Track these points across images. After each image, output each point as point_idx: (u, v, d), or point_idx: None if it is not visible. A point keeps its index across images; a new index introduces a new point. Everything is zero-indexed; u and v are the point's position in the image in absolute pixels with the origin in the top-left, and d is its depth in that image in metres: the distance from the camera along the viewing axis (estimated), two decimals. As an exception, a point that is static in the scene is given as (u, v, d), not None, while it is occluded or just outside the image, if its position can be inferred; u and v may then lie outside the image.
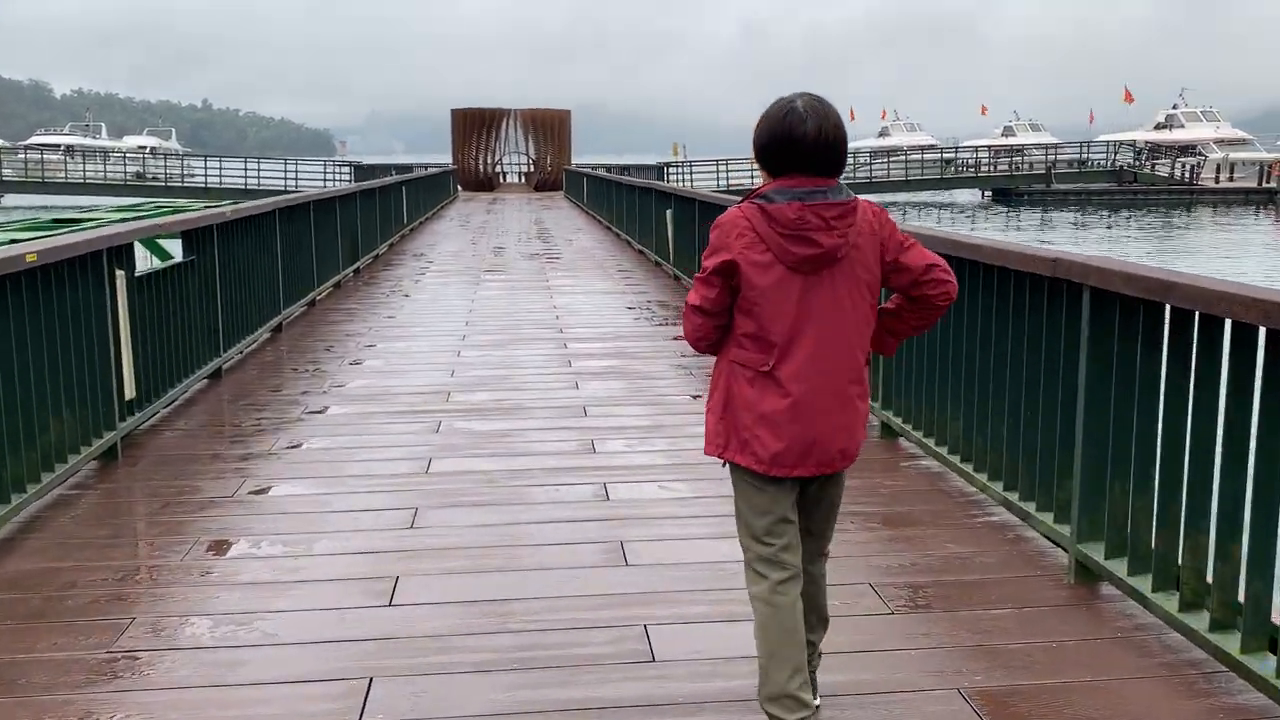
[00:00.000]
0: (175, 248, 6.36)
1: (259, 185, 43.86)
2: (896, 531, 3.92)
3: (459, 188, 38.34)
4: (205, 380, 6.43)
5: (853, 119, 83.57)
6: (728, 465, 2.45)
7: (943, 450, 4.58)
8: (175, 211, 9.68)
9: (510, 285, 11.45)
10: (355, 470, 4.67)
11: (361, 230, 12.98)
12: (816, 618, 2.58)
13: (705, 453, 2.48)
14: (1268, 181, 46.67)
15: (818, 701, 2.57)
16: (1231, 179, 49.91)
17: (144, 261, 6.44)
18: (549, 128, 43.89)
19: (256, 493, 4.38)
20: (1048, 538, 3.70)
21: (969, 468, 4.30)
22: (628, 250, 15.62)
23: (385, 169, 37.91)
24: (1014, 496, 3.92)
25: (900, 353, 4.92)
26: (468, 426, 5.41)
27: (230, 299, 6.90)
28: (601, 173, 24.32)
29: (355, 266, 12.44)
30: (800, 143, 2.30)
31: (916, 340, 4.74)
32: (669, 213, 11.73)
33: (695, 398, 6.00)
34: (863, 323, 2.40)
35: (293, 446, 5.07)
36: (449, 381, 6.52)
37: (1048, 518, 3.67)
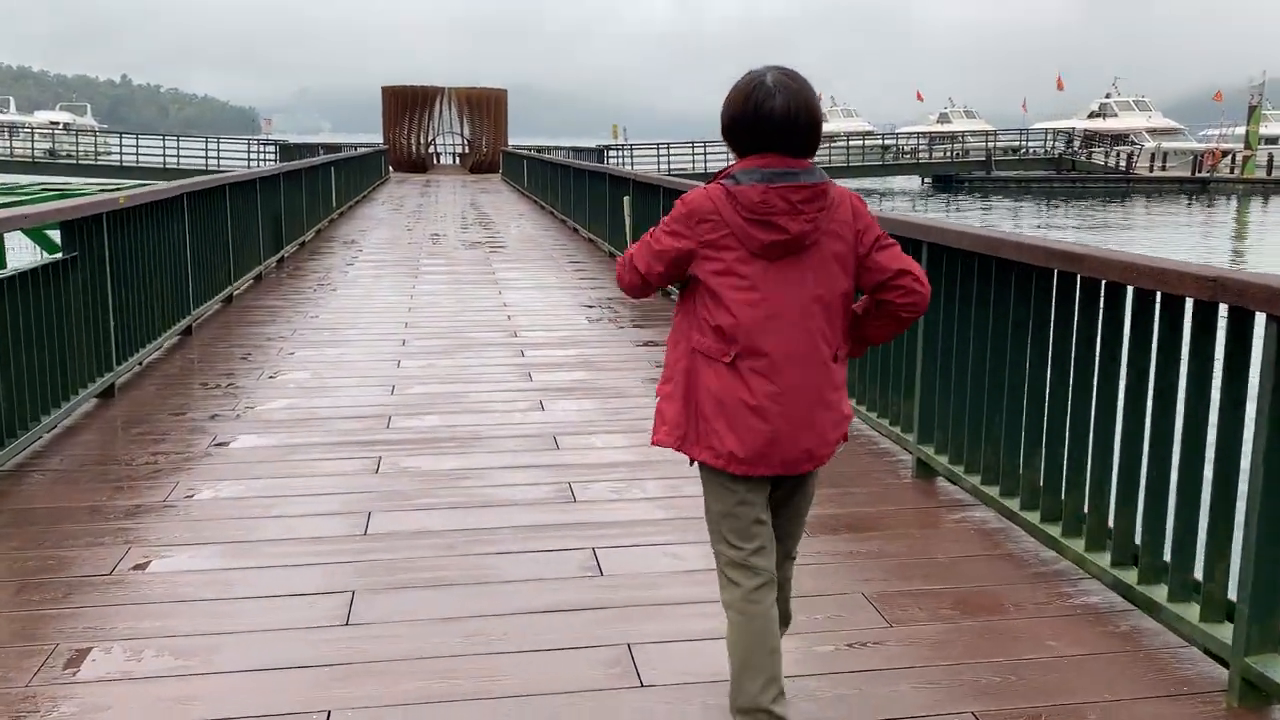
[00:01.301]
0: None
1: (179, 165, 41.83)
2: (979, 623, 3.05)
3: (390, 169, 36.88)
4: (94, 400, 5.35)
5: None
6: (696, 464, 2.30)
7: (1008, 500, 3.73)
8: (63, 196, 8.43)
9: (453, 278, 10.42)
10: (272, 531, 3.68)
11: (286, 215, 11.81)
12: (780, 620, 2.38)
13: (654, 442, 2.33)
14: (1200, 171, 47.16)
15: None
16: (1165, 168, 50.40)
17: (31, 254, 5.31)
18: (484, 108, 42.52)
19: (140, 568, 3.36)
20: (1204, 649, 2.83)
21: (1052, 529, 3.46)
22: (576, 238, 14.64)
23: (312, 149, 36.26)
24: (1129, 577, 3.09)
25: (949, 364, 4.08)
26: (415, 465, 4.44)
27: (125, 301, 5.80)
28: (547, 155, 23.23)
29: (279, 255, 11.30)
30: (768, 119, 2.17)
31: (976, 349, 3.90)
32: (627, 199, 10.78)
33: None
34: (834, 315, 2.25)
35: (193, 496, 4.04)
36: (389, 401, 5.52)
37: (1190, 612, 2.83)
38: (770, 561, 2.30)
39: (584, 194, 14.58)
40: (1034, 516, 3.56)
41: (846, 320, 2.30)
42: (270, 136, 56.73)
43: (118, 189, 11.17)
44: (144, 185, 9.18)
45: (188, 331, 7.23)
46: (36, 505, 3.93)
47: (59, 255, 4.85)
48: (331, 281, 10.15)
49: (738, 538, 2.27)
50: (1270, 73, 47.13)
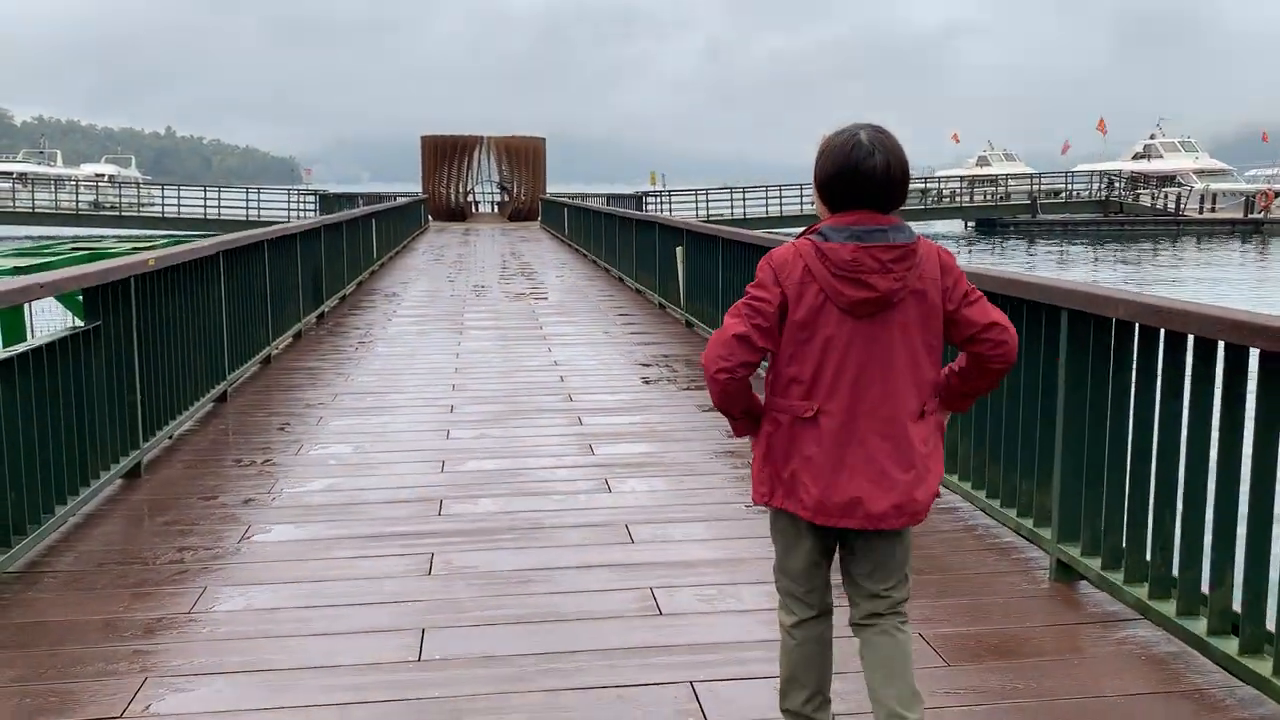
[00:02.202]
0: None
1: (219, 215, 42.12)
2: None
3: (430, 218, 36.82)
4: (119, 482, 4.87)
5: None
6: (769, 509, 2.36)
7: (1187, 621, 3.11)
8: (93, 257, 8.06)
9: (499, 334, 9.94)
10: (310, 655, 3.14)
11: (326, 269, 11.44)
12: (904, 689, 2.27)
13: (753, 501, 2.38)
14: (1254, 213, 46.09)
15: None
16: (1214, 209, 49.34)
17: (62, 318, 4.87)
18: (523, 156, 42.50)
19: (154, 711, 2.83)
20: None
21: (1257, 664, 2.83)
22: (623, 289, 14.17)
23: (352, 198, 36.31)
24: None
25: (1100, 446, 3.49)
26: (471, 564, 3.89)
27: (154, 371, 5.35)
28: (589, 203, 22.90)
29: (319, 311, 10.90)
30: (868, 177, 2.19)
31: (1138, 431, 3.31)
32: (680, 250, 10.30)
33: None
34: (923, 371, 2.26)
35: (221, 607, 3.52)
36: (439, 482, 5.00)
37: None
38: (823, 597, 2.37)
39: (630, 243, 14.13)
40: (1228, 645, 2.94)
41: (935, 374, 2.29)
42: (310, 186, 57.23)
43: (151, 245, 10.85)
44: (179, 240, 8.82)
45: (223, 398, 6.77)
46: (46, 617, 3.42)
47: (81, 325, 4.39)
48: (373, 338, 9.71)
49: (794, 578, 2.36)
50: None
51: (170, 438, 5.68)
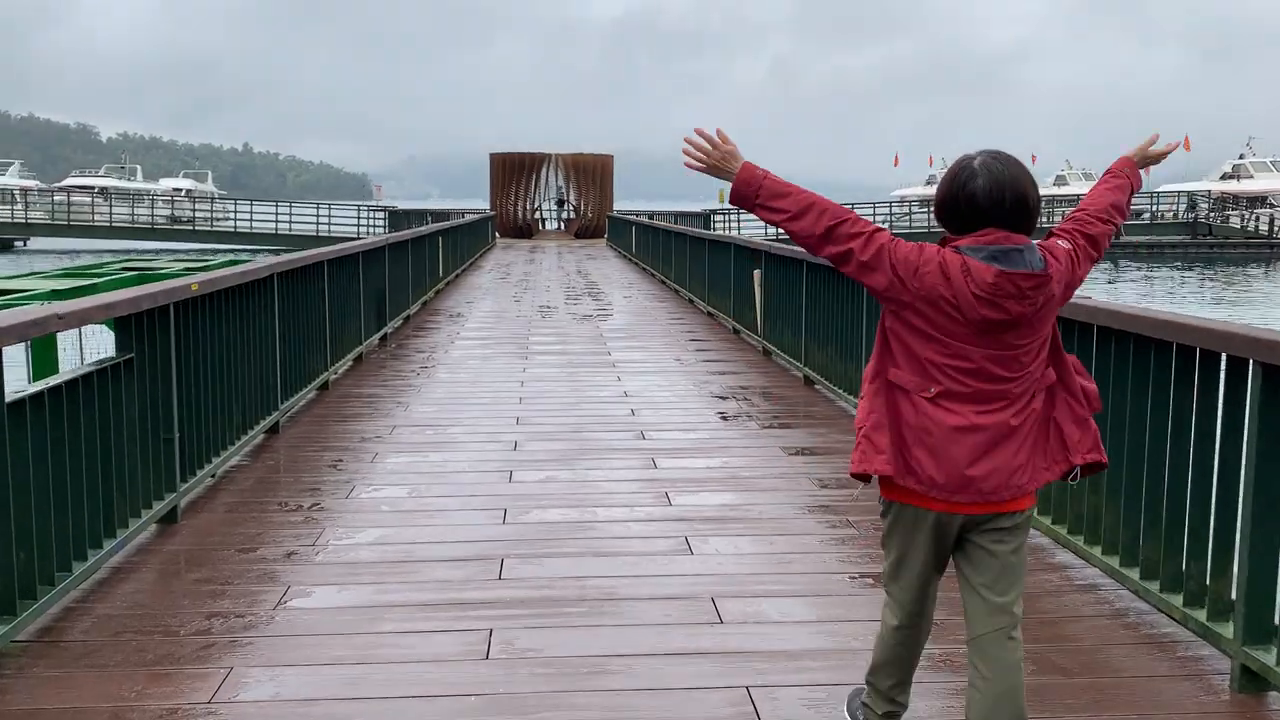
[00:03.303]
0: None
1: (290, 230, 42.51)
2: None
3: (497, 235, 36.69)
4: (153, 529, 4.44)
5: (897, 165, 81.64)
6: (884, 503, 2.44)
7: None
8: (142, 279, 7.72)
9: (565, 360, 9.45)
10: (346, 769, 2.63)
11: (391, 289, 11.08)
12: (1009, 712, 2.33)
13: (866, 469, 2.36)
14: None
15: None
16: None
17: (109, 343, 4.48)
18: (591, 173, 42.25)
19: (156, 842, 2.34)
20: None
21: None
22: (694, 311, 13.62)
23: (421, 215, 36.34)
24: None
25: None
26: (535, 647, 3.35)
27: (196, 405, 4.92)
28: (659, 222, 22.41)
29: (382, 333, 10.52)
30: (970, 200, 2.26)
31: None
32: (758, 273, 9.73)
33: (872, 582, 3.92)
34: (1034, 359, 2.33)
35: (241, 698, 3.02)
36: (501, 535, 4.48)
37: None
38: (922, 612, 2.49)
39: (702, 263, 13.58)
40: None
41: (1047, 355, 2.37)
42: (381, 203, 57.75)
43: (206, 266, 10.57)
44: (236, 261, 8.47)
45: (275, 429, 6.36)
46: (44, 704, 2.96)
47: (89, 364, 3.95)
48: (436, 363, 9.29)
49: (900, 589, 2.46)
50: None
51: (214, 476, 5.25)
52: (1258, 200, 50.90)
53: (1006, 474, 2.29)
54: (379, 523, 4.67)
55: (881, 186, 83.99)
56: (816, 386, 7.95)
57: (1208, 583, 3.27)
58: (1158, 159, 2.80)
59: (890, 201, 57.43)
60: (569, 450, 5.99)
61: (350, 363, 8.91)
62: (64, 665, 3.21)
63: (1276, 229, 46.97)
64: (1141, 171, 2.74)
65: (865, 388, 2.41)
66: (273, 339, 6.35)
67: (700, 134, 2.44)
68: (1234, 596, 3.13)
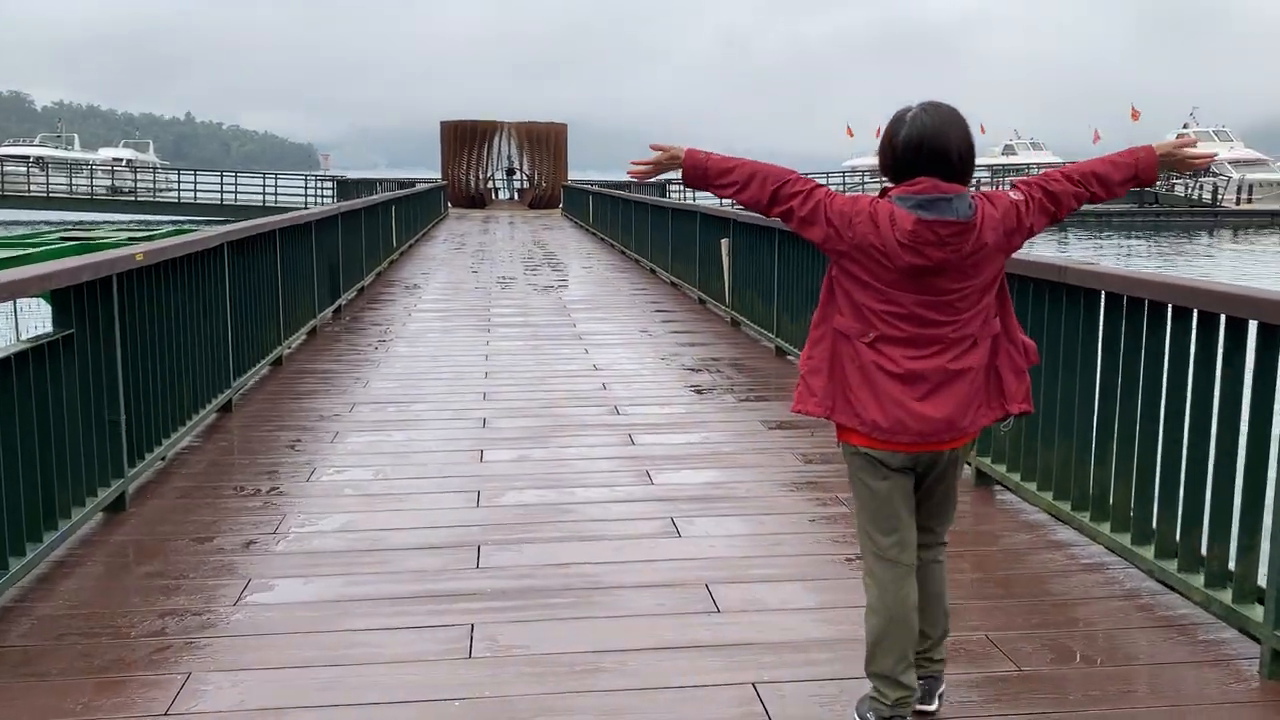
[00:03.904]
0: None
1: (236, 201, 41.45)
2: None
3: (449, 205, 36.06)
4: (99, 518, 4.12)
5: (851, 136, 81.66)
6: (842, 447, 2.53)
7: None
8: (83, 248, 7.28)
9: (530, 332, 9.15)
10: (322, 789, 2.37)
11: (344, 259, 10.68)
12: (939, 611, 2.62)
13: (802, 409, 2.51)
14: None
15: (934, 707, 2.63)
16: (1250, 200, 48.06)
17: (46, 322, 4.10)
18: (544, 142, 41.65)
19: None
20: None
21: None
22: (657, 281, 13.36)
23: (371, 184, 35.57)
24: None
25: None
26: (522, 643, 3.11)
27: (143, 384, 4.59)
28: (617, 190, 22.08)
29: (336, 305, 10.14)
30: (897, 149, 2.36)
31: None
32: (725, 242, 9.49)
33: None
34: (973, 304, 2.40)
35: (200, 708, 2.75)
36: (475, 520, 4.22)
37: None
38: (909, 555, 2.52)
39: (665, 232, 13.31)
40: None
41: (995, 300, 2.46)
42: (328, 172, 56.57)
43: (150, 235, 10.09)
44: (183, 229, 8.06)
45: (228, 407, 6.02)
46: (-20, 718, 2.66)
47: (24, 340, 3.61)
48: (393, 336, 8.95)
49: (880, 530, 2.50)
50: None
51: (163, 459, 4.93)
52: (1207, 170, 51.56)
53: (945, 417, 2.39)
54: (343, 508, 4.38)
55: (835, 157, 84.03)
56: (789, 358, 7.75)
57: (1232, 564, 3.11)
58: (1185, 163, 2.60)
59: (843, 171, 57.49)
60: (541, 427, 5.73)
61: (304, 336, 8.55)
62: (22, 655, 2.91)
63: (1220, 197, 47.69)
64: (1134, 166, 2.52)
65: (811, 334, 2.54)
66: (224, 312, 6.00)
67: (637, 161, 2.70)
68: (1263, 577, 2.97)
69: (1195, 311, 3.29)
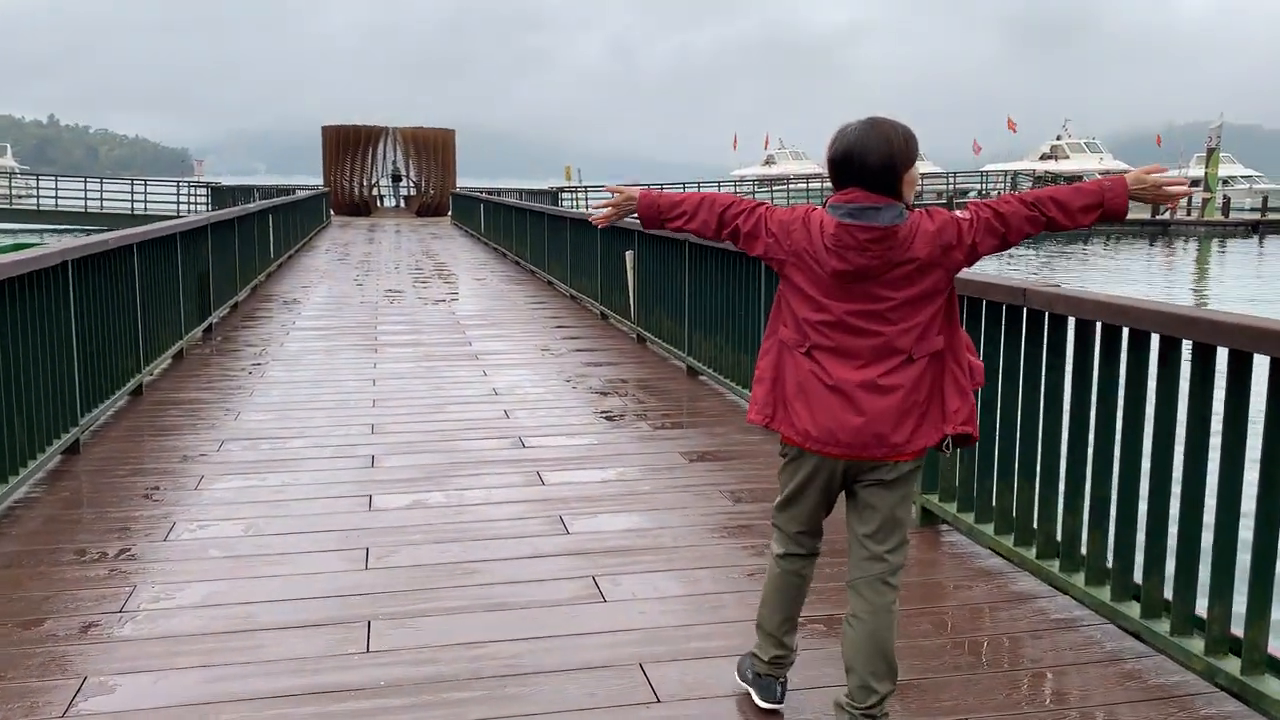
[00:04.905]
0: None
1: (101, 209, 39.20)
2: None
3: (331, 212, 34.76)
4: (-106, 598, 3.37)
5: (735, 148, 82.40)
6: (782, 446, 2.61)
7: None
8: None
9: (422, 352, 8.50)
10: None
11: (216, 273, 9.83)
12: (880, 662, 2.47)
13: (750, 419, 2.62)
14: (1160, 214, 46.67)
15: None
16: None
17: None
18: (431, 148, 40.62)
19: None
20: None
21: None
22: (555, 294, 12.80)
23: (248, 191, 34.01)
24: None
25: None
26: (426, 758, 2.54)
27: (-42, 432, 3.84)
28: (508, 199, 21.43)
29: (206, 323, 9.29)
30: (835, 162, 2.44)
31: None
32: (630, 254, 9.01)
33: (823, 628, 3.27)
34: (906, 319, 2.43)
35: None
36: (364, 584, 3.62)
37: None
38: (811, 545, 2.68)
39: (563, 243, 12.76)
40: None
41: (933, 319, 2.46)
42: (203, 179, 54.19)
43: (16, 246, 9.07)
44: (21, 245, 7.17)
45: (75, 448, 5.25)
46: None
47: None
48: (270, 358, 8.18)
49: (792, 516, 2.65)
50: (1224, 116, 47.05)
51: (-12, 517, 4.17)
52: (1074, 179, 53.52)
53: (873, 429, 2.42)
54: (206, 574, 3.72)
55: (721, 167, 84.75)
56: (702, 378, 7.31)
57: (1245, 630, 2.74)
58: (1157, 193, 2.47)
59: (734, 181, 57.79)
60: (438, 465, 5.14)
61: (169, 361, 7.74)
62: None
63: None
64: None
65: (762, 345, 2.66)
66: (68, 338, 5.23)
67: (599, 206, 2.87)
68: (1276, 645, 2.61)
69: (1178, 341, 2.93)
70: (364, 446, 5.48)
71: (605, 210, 2.83)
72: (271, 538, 4.10)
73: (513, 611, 3.41)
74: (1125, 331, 3.18)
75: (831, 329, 2.44)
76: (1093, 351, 3.37)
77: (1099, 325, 3.30)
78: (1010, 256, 37.90)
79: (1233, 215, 47.46)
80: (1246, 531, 2.79)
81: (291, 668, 3.00)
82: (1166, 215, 46.11)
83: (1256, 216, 46.73)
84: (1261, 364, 2.71)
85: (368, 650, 3.12)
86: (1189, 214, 47.18)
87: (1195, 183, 51.05)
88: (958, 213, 2.46)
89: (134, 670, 2.99)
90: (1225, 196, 47.45)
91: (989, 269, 31.83)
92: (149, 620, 3.32)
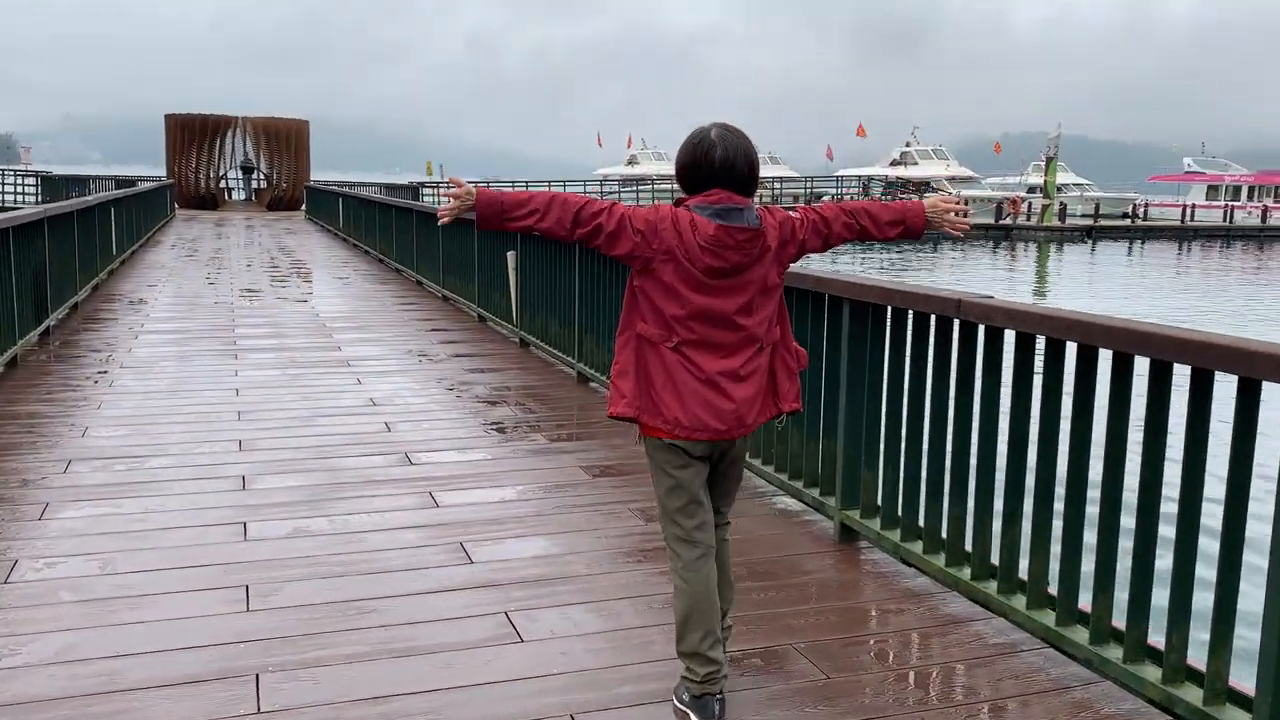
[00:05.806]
0: None
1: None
2: None
3: (176, 205, 32.93)
4: None
5: (601, 146, 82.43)
6: (642, 441, 2.71)
7: None
8: None
9: (287, 357, 7.94)
10: None
11: (52, 271, 8.98)
12: (725, 583, 2.80)
13: (612, 413, 2.67)
14: (1003, 219, 48.91)
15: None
16: (966, 215, 52.06)
17: None
18: (284, 139, 39.00)
19: None
20: None
21: None
22: (426, 295, 12.28)
23: (83, 181, 31.84)
24: None
25: None
26: None
27: None
28: (368, 193, 20.62)
29: (43, 326, 8.47)
30: (710, 166, 2.59)
31: None
32: (512, 255, 8.64)
33: (760, 663, 3.05)
34: (759, 310, 2.64)
35: None
36: (245, 629, 3.19)
37: None
38: (709, 536, 2.71)
39: (434, 242, 12.26)
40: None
41: (775, 309, 2.71)
42: (30, 167, 50.61)
43: None
44: None
45: (-114, 473, 4.58)
46: None
47: None
48: (118, 365, 7.49)
49: (681, 515, 2.68)
50: (1060, 126, 49.63)
51: None
52: (922, 185, 55.62)
53: (736, 413, 2.61)
54: (59, 623, 3.23)
55: (584, 165, 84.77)
56: (593, 385, 7.03)
57: (1208, 659, 2.64)
58: (946, 220, 2.93)
59: (600, 180, 57.69)
60: (318, 485, 4.70)
61: (0, 369, 6.97)
62: None
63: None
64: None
65: (616, 340, 2.71)
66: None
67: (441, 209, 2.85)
68: (1243, 676, 2.52)
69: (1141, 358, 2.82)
70: (232, 465, 4.98)
71: (448, 204, 2.76)
72: (133, 576, 3.62)
73: (421, 657, 3.06)
74: (1072, 346, 3.06)
75: (698, 323, 2.57)
76: (1033, 365, 3.26)
77: (1041, 339, 3.18)
78: (864, 255, 39.00)
79: (1068, 221, 50.09)
80: (1199, 549, 2.70)
81: (167, 739, 2.58)
82: (1009, 220, 48.33)
83: (1089, 223, 49.45)
84: (1227, 382, 2.61)
85: (259, 710, 2.72)
86: (1029, 219, 49.55)
87: (1032, 190, 53.67)
88: (790, 213, 2.71)
89: (-28, 750, 2.52)
90: (1062, 203, 50.03)
91: (854, 267, 32.59)
92: (-12, 685, 2.83)
